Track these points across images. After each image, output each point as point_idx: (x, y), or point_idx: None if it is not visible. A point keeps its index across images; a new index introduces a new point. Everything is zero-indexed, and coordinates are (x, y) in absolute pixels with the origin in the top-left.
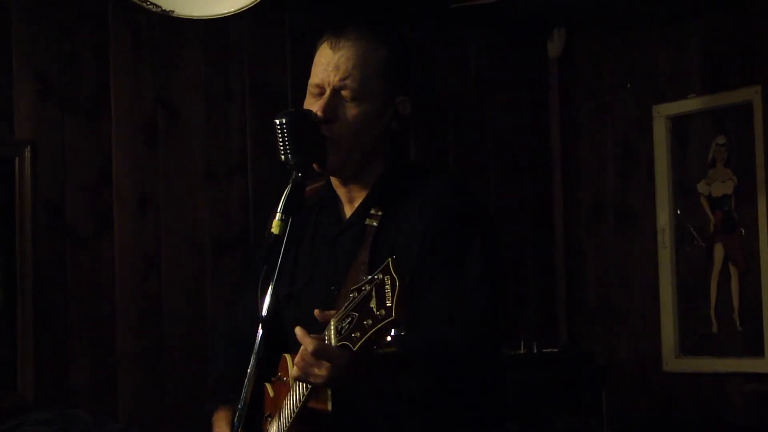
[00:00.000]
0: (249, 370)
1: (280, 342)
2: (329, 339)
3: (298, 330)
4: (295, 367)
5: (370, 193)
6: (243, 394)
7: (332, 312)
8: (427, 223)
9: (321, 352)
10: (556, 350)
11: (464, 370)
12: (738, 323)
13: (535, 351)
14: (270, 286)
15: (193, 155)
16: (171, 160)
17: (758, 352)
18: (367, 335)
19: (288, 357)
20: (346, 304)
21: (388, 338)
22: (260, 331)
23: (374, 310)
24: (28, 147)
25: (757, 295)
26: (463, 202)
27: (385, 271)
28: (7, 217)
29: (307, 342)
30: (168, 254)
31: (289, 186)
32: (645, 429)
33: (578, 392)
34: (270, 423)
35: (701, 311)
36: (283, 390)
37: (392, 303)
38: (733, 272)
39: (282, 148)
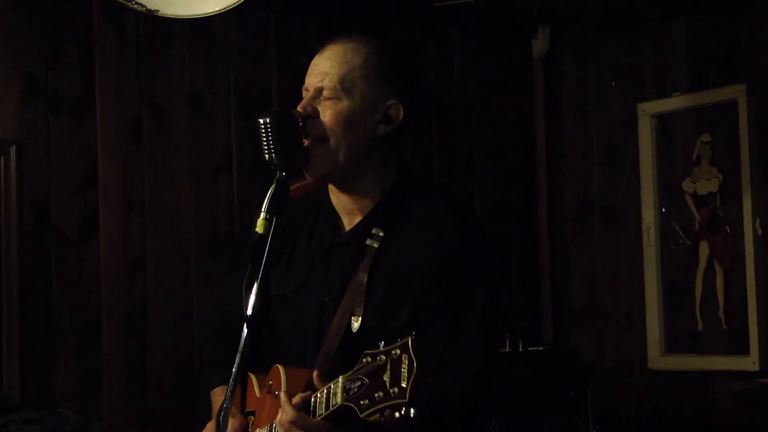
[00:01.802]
0: (234, 369)
1: (269, 338)
2: (335, 394)
3: (282, 396)
4: (279, 425)
5: (373, 210)
6: (228, 393)
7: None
8: (431, 260)
9: (299, 424)
10: (541, 348)
11: (454, 424)
12: (723, 321)
13: (521, 349)
14: (255, 285)
15: (178, 156)
16: (156, 161)
17: (743, 351)
18: (377, 407)
19: (281, 370)
20: (357, 367)
21: (397, 415)
22: (245, 331)
23: (387, 384)
24: (13, 147)
25: (742, 294)
26: (467, 239)
27: (404, 349)
28: None
29: (287, 410)
30: (154, 255)
31: (273, 185)
32: (630, 427)
33: (563, 390)
34: (253, 428)
35: (686, 309)
36: (270, 402)
37: (407, 385)
38: (718, 270)
39: (266, 147)
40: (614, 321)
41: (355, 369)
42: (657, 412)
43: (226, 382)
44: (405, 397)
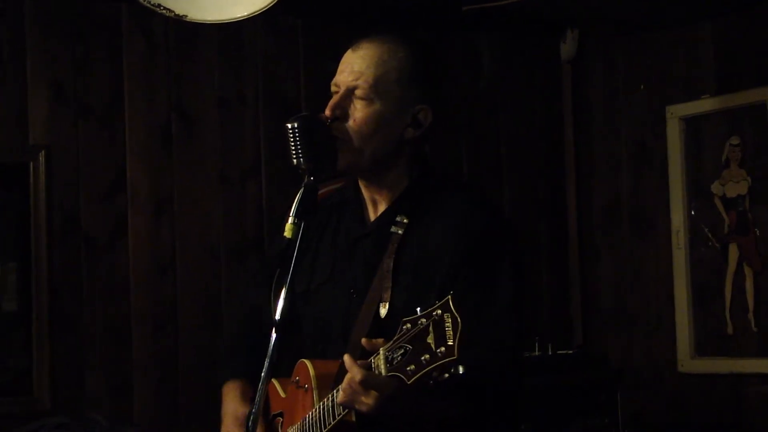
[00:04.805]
0: (263, 374)
1: (294, 338)
2: (378, 367)
3: (346, 358)
4: (341, 392)
5: (398, 199)
6: (257, 399)
7: (380, 341)
8: (456, 242)
9: (369, 383)
10: (571, 352)
11: (496, 395)
12: (753, 324)
13: (550, 353)
14: (283, 290)
15: (207, 160)
16: (185, 165)
17: None
18: (425, 370)
19: (308, 363)
20: (397, 336)
21: (446, 375)
22: (274, 335)
23: (432, 346)
24: (43, 153)
25: None
26: (491, 222)
27: (445, 308)
28: (22, 223)
29: (355, 371)
30: (183, 259)
31: (302, 190)
32: (661, 430)
33: (593, 394)
34: (284, 428)
35: (716, 312)
36: (300, 397)
37: (454, 342)
38: (748, 273)
39: (294, 152)
40: (644, 324)
41: (395, 338)
42: (687, 415)
43: (236, 377)
44: (454, 354)
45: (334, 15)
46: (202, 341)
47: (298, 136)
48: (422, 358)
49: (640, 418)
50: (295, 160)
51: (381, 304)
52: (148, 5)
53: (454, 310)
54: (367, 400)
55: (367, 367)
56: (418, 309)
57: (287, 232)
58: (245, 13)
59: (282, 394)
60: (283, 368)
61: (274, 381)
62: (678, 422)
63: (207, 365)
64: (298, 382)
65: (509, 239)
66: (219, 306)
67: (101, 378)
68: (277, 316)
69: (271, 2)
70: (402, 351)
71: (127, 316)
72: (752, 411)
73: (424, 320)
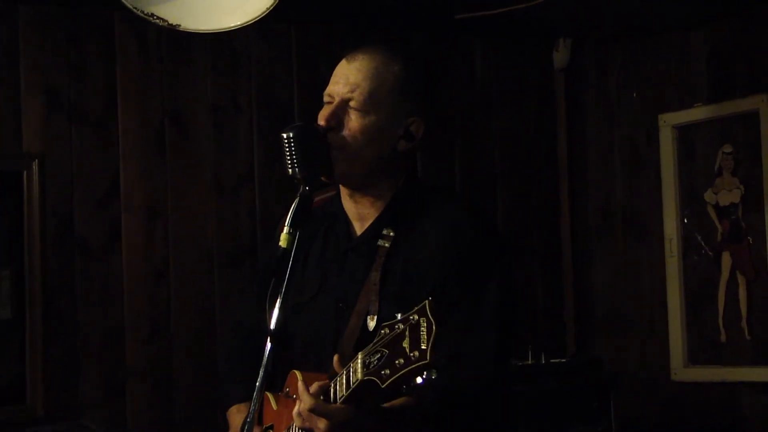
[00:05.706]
0: (257, 383)
1: (287, 351)
2: (355, 371)
3: (300, 386)
4: (296, 416)
5: (383, 212)
6: (252, 408)
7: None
8: (443, 252)
9: (318, 411)
10: (564, 360)
11: (469, 414)
12: (746, 332)
13: (543, 361)
14: (278, 300)
15: (200, 167)
16: (179, 171)
17: (767, 361)
18: (399, 374)
19: (298, 374)
20: (376, 340)
21: (419, 380)
22: (268, 345)
23: (407, 350)
24: (37, 160)
25: (765, 304)
26: (480, 232)
27: (421, 313)
28: (16, 230)
29: (305, 399)
30: (176, 266)
31: (297, 199)
32: None
33: (587, 402)
34: None
35: (709, 320)
36: (290, 407)
37: (427, 347)
38: (741, 281)
39: (289, 161)
40: (637, 332)
41: (373, 342)
42: (681, 423)
43: (242, 400)
44: (426, 359)
45: (326, 21)
46: (196, 347)
47: (293, 146)
48: (396, 362)
49: (633, 426)
50: (290, 170)
51: (368, 317)
52: (142, 15)
53: (430, 315)
54: (320, 426)
55: (325, 391)
56: (398, 314)
57: (282, 242)
58: (238, 23)
59: (274, 407)
60: (277, 381)
61: (268, 395)
62: (671, 430)
63: (201, 371)
64: (288, 392)
65: (499, 250)
66: (213, 312)
67: (95, 385)
68: (272, 326)
69: (264, 12)
70: (379, 355)
71: (121, 323)
72: (745, 419)
73: (401, 325)
